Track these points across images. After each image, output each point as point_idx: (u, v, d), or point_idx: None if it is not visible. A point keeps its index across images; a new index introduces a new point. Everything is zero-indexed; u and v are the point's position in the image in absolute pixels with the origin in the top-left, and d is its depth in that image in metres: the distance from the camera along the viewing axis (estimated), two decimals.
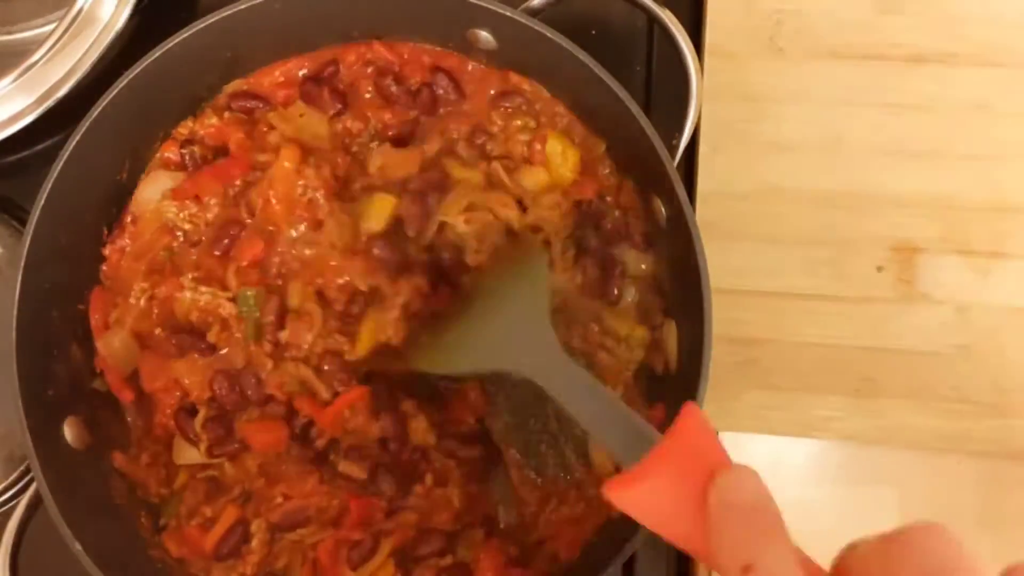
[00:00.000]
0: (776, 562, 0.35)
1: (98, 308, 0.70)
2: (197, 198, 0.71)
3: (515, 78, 0.73)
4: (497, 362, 0.57)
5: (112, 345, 0.69)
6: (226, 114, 0.74)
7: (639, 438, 0.46)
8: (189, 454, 0.69)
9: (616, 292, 0.70)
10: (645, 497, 0.43)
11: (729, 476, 0.39)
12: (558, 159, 0.71)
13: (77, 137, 0.65)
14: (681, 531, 0.41)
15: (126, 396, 0.70)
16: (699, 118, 0.70)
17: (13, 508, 0.65)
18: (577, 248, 0.71)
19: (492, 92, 0.73)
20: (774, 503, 0.37)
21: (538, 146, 0.72)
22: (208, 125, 0.73)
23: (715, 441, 0.44)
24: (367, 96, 0.74)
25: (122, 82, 0.65)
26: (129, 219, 0.72)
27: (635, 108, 0.64)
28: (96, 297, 0.70)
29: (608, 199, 0.72)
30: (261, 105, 0.74)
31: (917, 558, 0.33)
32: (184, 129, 0.74)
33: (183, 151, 0.72)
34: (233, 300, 0.69)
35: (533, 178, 0.71)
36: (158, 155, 0.73)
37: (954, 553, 0.33)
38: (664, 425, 0.46)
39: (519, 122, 0.73)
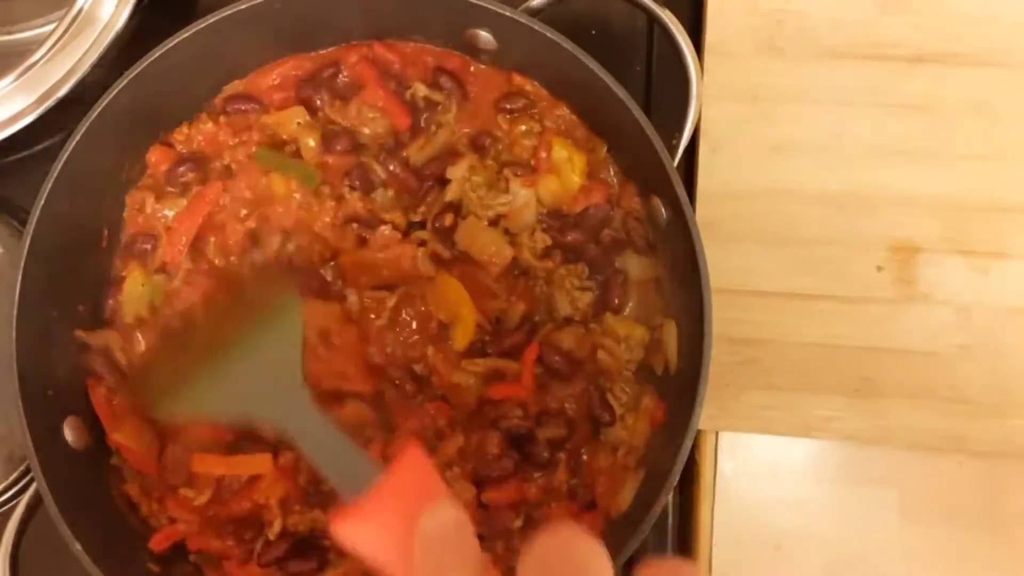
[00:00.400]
0: None
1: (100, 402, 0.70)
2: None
3: (518, 79, 0.73)
4: (247, 408, 0.57)
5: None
6: (221, 118, 0.74)
7: (367, 479, 0.47)
8: None
9: (617, 302, 0.71)
10: (366, 531, 0.44)
11: (433, 508, 0.40)
12: (566, 165, 0.71)
13: (77, 137, 0.65)
14: (400, 566, 0.43)
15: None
16: (699, 118, 0.70)
17: (13, 508, 0.65)
18: (574, 255, 0.71)
19: (496, 95, 0.73)
20: (470, 533, 0.39)
21: (543, 153, 0.71)
22: (203, 131, 0.73)
23: (434, 478, 0.46)
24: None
25: (122, 82, 0.65)
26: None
27: (635, 108, 0.64)
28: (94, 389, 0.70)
29: (615, 206, 0.72)
30: (255, 107, 0.74)
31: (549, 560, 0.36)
32: (180, 136, 0.74)
33: (179, 169, 0.72)
34: None
35: (546, 187, 0.71)
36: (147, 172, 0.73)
37: (585, 551, 0.36)
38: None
39: (524, 127, 0.72)
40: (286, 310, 0.60)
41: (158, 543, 0.68)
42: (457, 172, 0.71)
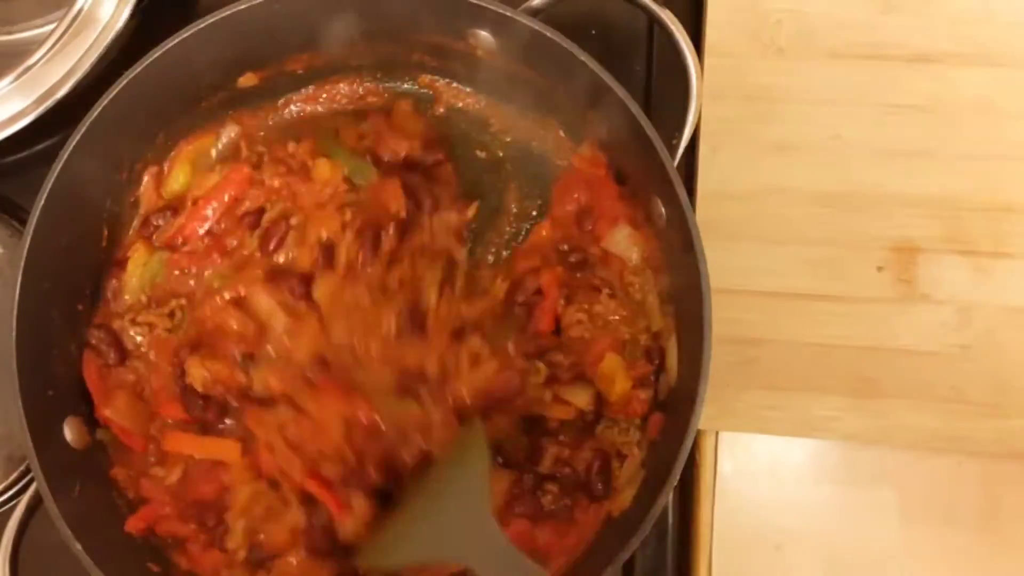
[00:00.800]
0: None
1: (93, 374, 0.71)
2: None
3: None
4: (442, 552, 0.58)
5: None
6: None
7: None
8: None
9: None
10: None
11: None
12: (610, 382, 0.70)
13: (77, 137, 0.65)
14: None
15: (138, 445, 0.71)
16: (699, 118, 0.70)
17: (13, 508, 0.65)
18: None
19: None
20: None
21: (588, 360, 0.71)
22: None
23: None
24: None
25: (122, 82, 0.65)
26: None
27: (635, 108, 0.64)
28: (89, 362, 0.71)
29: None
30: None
31: None
32: None
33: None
34: None
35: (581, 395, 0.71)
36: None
37: None
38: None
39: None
40: (471, 443, 0.62)
41: (134, 524, 0.69)
42: None
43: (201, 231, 0.74)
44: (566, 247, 0.73)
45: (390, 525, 0.62)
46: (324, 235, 0.71)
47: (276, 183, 0.74)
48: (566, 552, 0.68)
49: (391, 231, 0.71)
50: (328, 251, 0.71)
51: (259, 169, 0.74)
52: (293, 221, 0.73)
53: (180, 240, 0.74)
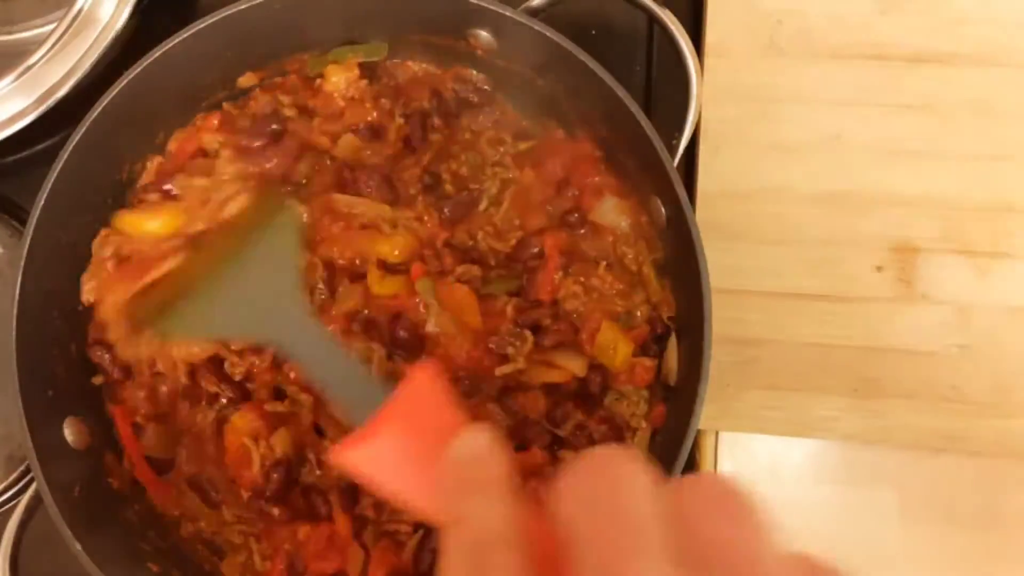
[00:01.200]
0: (482, 512, 0.35)
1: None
2: None
3: None
4: (250, 331, 0.56)
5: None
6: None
7: (375, 401, 0.45)
8: None
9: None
10: (372, 456, 0.42)
11: (464, 434, 0.38)
12: (610, 350, 0.70)
13: (77, 137, 0.65)
14: (410, 490, 0.41)
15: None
16: (699, 118, 0.70)
17: (13, 508, 0.65)
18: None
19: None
20: (502, 460, 0.37)
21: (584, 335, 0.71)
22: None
23: (447, 401, 0.43)
24: None
25: (122, 82, 0.65)
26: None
27: (635, 108, 0.64)
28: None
29: None
30: None
31: (573, 493, 0.33)
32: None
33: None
34: None
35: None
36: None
37: (612, 482, 0.33)
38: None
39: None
40: (283, 224, 0.60)
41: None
42: None
43: None
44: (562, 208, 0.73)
45: (195, 295, 0.60)
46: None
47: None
48: None
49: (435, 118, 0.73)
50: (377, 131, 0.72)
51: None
52: None
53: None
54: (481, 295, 0.70)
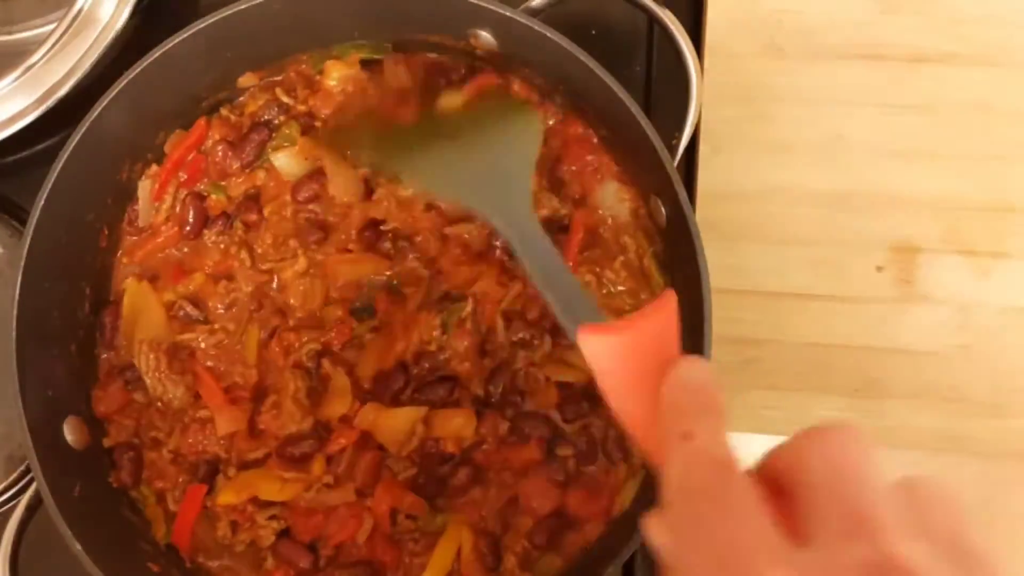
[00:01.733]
0: (713, 433, 0.39)
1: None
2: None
3: None
4: (474, 200, 0.56)
5: None
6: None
7: (588, 311, 0.47)
8: None
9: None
10: (608, 349, 0.44)
11: (688, 361, 0.42)
12: None
13: (77, 137, 0.65)
14: (627, 396, 0.44)
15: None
16: (699, 118, 0.70)
17: (13, 508, 0.65)
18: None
19: None
20: (721, 391, 0.40)
21: None
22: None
23: (676, 334, 0.46)
24: None
25: (122, 82, 0.65)
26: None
27: (635, 108, 0.64)
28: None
29: None
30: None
31: (821, 454, 0.36)
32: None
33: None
34: None
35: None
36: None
37: (857, 454, 0.36)
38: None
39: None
40: (527, 123, 0.61)
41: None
42: None
43: None
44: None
45: (422, 151, 0.61)
46: None
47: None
48: (601, 515, 0.68)
49: None
50: None
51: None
52: None
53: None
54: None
